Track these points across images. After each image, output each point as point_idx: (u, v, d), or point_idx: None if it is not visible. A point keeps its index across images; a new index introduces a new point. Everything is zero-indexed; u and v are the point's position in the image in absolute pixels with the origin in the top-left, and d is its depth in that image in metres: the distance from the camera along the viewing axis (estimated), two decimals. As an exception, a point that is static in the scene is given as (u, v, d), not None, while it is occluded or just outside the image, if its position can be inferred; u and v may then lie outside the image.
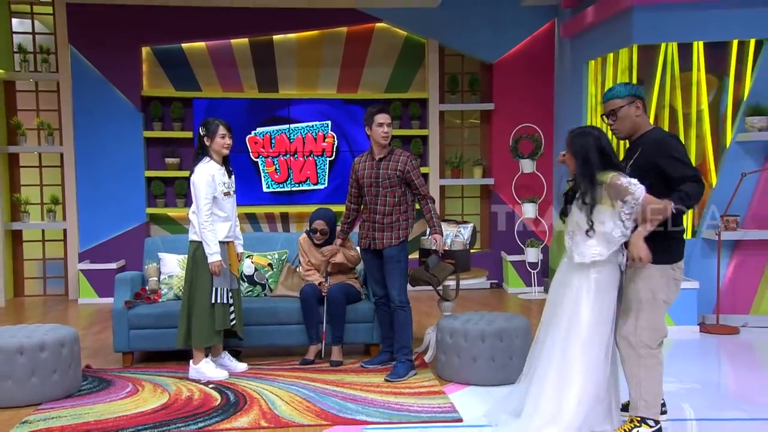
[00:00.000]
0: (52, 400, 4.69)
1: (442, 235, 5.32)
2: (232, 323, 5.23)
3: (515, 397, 4.19)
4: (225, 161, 5.26)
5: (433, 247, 5.29)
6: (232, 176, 5.30)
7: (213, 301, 5.09)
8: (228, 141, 5.17)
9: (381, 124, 5.20)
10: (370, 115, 5.23)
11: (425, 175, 9.11)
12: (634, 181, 3.80)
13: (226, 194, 5.16)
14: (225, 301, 5.14)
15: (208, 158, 5.16)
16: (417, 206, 5.42)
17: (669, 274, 3.91)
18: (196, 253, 5.12)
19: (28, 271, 8.95)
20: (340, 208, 8.80)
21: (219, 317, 5.11)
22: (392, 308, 5.29)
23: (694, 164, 6.77)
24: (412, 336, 5.33)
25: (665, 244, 3.88)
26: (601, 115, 4.12)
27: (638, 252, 3.78)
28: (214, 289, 5.09)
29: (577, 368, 3.88)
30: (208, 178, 5.06)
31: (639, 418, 3.92)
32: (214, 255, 5.04)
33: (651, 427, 3.89)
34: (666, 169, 3.82)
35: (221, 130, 5.14)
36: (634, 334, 3.90)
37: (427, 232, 5.52)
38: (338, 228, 5.75)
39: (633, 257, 3.80)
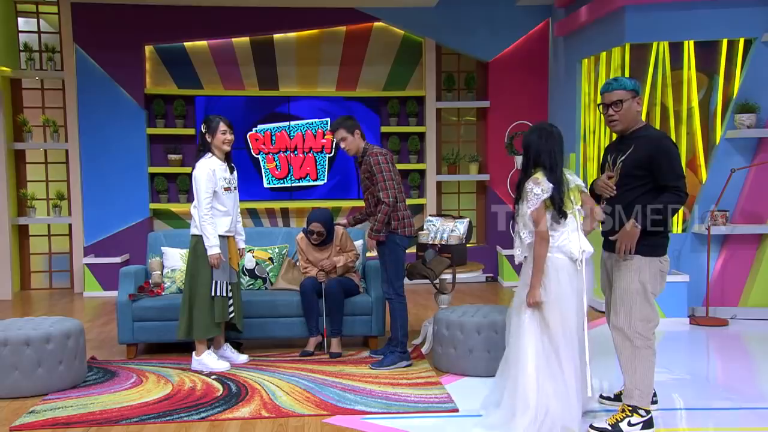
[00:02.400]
0: (58, 391, 4.74)
1: (373, 240, 5.20)
2: (231, 316, 5.29)
3: (497, 389, 4.23)
4: (227, 158, 5.33)
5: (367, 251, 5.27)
6: (234, 173, 5.35)
7: (213, 294, 5.16)
8: (229, 137, 5.23)
9: (338, 143, 5.33)
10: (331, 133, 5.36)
11: (422, 172, 9.22)
12: (539, 191, 3.85)
13: (227, 189, 5.21)
14: (224, 295, 5.20)
15: (210, 154, 5.23)
16: (408, 201, 5.42)
17: (657, 266, 4.00)
18: (197, 246, 5.18)
19: (35, 264, 9.05)
20: (339, 204, 8.98)
21: (218, 310, 5.18)
22: (385, 299, 5.37)
23: (684, 163, 6.93)
24: (402, 328, 5.31)
25: (653, 239, 3.96)
26: (599, 104, 4.13)
27: (533, 298, 3.91)
28: (214, 282, 5.16)
29: (534, 364, 3.92)
30: (209, 172, 5.12)
31: (630, 408, 3.97)
32: (212, 248, 5.10)
33: (642, 416, 3.95)
34: (657, 171, 3.89)
35: (222, 126, 5.21)
36: (628, 326, 3.97)
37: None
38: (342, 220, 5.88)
39: (528, 302, 3.92)
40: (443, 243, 5.73)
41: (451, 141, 9.53)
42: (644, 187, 3.94)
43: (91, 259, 8.58)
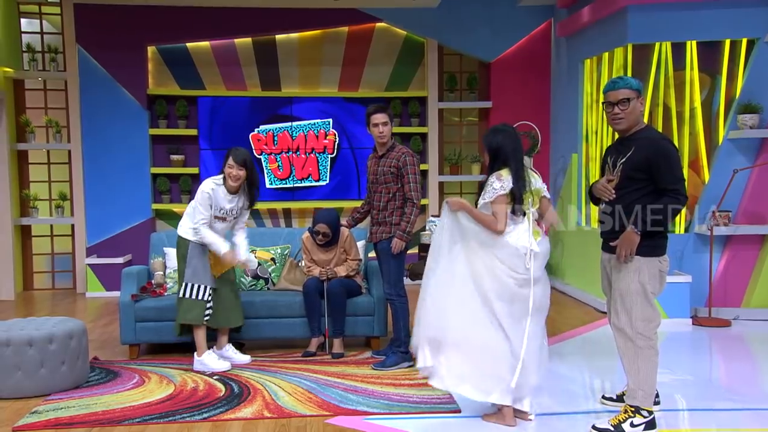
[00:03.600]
0: (60, 391, 4.74)
1: (404, 242, 5.24)
2: (206, 319, 5.27)
3: None
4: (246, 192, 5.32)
5: (393, 252, 5.25)
6: (241, 202, 5.31)
7: (180, 295, 5.20)
8: (234, 172, 5.13)
9: (376, 125, 5.27)
10: (367, 115, 5.32)
11: (424, 173, 9.22)
12: (499, 186, 4.04)
13: (219, 219, 5.23)
14: (198, 298, 5.21)
15: (222, 181, 5.20)
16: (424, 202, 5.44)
17: (656, 266, 3.99)
18: (180, 248, 5.25)
19: (37, 265, 9.06)
20: (341, 204, 8.97)
21: (184, 311, 5.21)
22: (386, 300, 5.40)
23: (686, 164, 6.94)
24: (404, 329, 5.33)
25: (653, 239, 3.95)
26: (603, 102, 4.12)
27: (458, 204, 4.15)
28: (184, 283, 5.19)
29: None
30: (208, 199, 5.13)
31: (633, 408, 3.98)
32: (220, 249, 5.13)
33: (645, 417, 3.96)
34: (656, 173, 3.89)
35: (230, 160, 5.16)
36: (630, 326, 3.98)
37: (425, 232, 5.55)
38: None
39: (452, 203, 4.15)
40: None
41: (453, 141, 9.53)
42: (644, 190, 3.93)
43: (94, 260, 8.59)
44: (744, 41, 6.85)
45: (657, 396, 4.24)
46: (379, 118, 5.27)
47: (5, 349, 4.65)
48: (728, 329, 6.51)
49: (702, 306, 6.85)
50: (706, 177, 6.99)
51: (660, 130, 7.04)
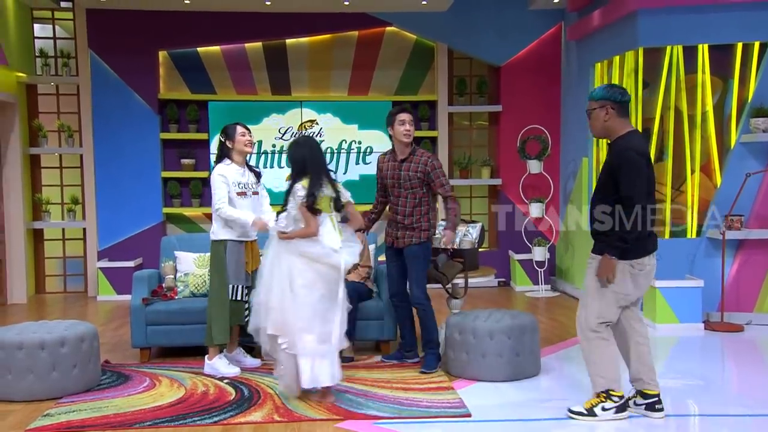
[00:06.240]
0: (72, 394, 4.78)
1: (454, 234, 5.38)
2: (246, 320, 5.30)
3: None
4: (248, 165, 5.39)
5: (441, 245, 5.35)
6: (259, 177, 5.43)
7: (231, 297, 5.21)
8: (249, 138, 5.31)
9: (402, 122, 5.29)
10: (392, 114, 5.35)
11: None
12: (303, 195, 4.51)
13: (241, 194, 5.23)
14: (240, 299, 5.25)
15: (227, 160, 5.28)
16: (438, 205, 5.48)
17: (624, 269, 4.07)
18: (213, 252, 5.24)
19: (49, 268, 9.11)
20: (350, 208, 8.92)
21: (234, 313, 5.23)
22: (414, 306, 5.38)
23: (698, 167, 6.88)
24: (436, 329, 5.39)
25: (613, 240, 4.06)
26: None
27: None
28: (230, 286, 5.21)
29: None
30: (222, 178, 5.18)
31: (605, 394, 4.18)
32: (252, 221, 5.15)
33: (615, 402, 4.16)
34: (617, 180, 4.00)
35: (240, 128, 5.28)
36: (584, 320, 4.19)
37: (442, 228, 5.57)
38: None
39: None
40: (455, 248, 5.71)
41: (463, 145, 9.52)
42: (615, 195, 4.02)
43: (105, 263, 8.63)
44: (756, 44, 6.81)
45: (660, 402, 4.26)
46: (405, 116, 5.33)
47: (18, 352, 4.68)
48: (741, 334, 6.47)
49: (714, 311, 6.80)
50: (718, 181, 6.95)
51: (671, 133, 7.03)
